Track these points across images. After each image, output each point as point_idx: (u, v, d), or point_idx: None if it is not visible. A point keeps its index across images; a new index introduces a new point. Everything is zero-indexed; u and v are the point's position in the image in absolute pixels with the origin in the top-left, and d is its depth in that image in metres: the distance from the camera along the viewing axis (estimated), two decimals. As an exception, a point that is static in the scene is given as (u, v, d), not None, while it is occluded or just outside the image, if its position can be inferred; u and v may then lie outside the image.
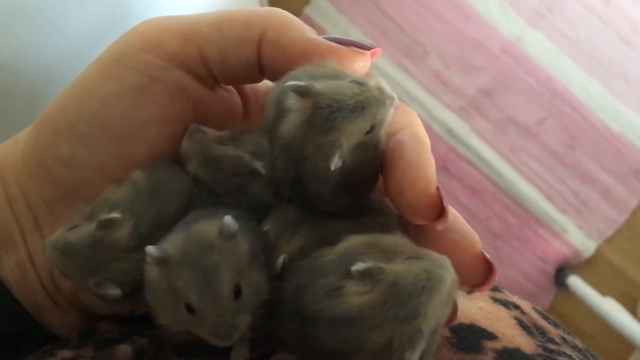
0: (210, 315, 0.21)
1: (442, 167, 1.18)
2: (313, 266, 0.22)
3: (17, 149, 0.28)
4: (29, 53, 0.49)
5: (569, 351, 0.28)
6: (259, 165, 0.25)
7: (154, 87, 0.26)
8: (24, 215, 0.27)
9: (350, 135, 0.22)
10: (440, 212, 0.22)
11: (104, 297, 0.24)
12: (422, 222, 0.23)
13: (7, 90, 0.49)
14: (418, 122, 0.26)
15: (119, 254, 0.24)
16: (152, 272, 0.21)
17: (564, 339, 0.29)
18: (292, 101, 0.22)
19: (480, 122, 1.20)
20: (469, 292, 0.30)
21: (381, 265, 0.21)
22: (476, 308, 0.29)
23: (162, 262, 0.21)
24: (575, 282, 1.13)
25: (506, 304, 0.30)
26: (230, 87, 0.29)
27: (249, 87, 0.31)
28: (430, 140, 0.25)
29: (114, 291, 0.23)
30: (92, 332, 0.28)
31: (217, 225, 0.22)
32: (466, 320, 0.28)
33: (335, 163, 0.21)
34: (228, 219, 0.21)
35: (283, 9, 0.26)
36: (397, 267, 0.21)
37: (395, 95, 0.24)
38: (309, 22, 1.24)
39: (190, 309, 0.21)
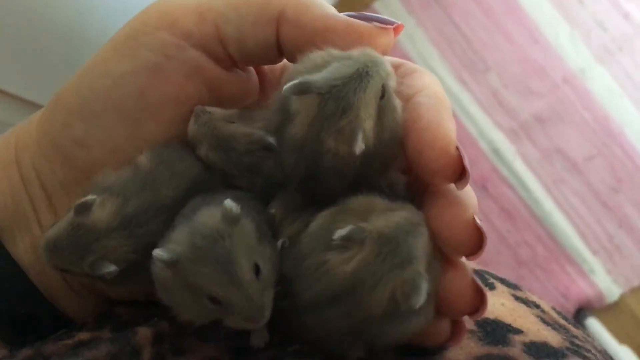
0: (239, 302, 0.20)
1: (482, 185, 1.17)
2: (293, 254, 0.22)
3: (31, 129, 0.27)
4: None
5: (594, 350, 0.27)
6: (271, 139, 0.24)
7: (169, 65, 0.25)
8: (38, 196, 0.27)
9: (368, 105, 0.21)
10: (461, 173, 0.21)
11: (102, 278, 0.23)
12: (442, 184, 0.22)
13: (75, 37, 0.49)
14: (436, 83, 0.25)
15: (102, 233, 0.23)
16: (163, 274, 0.21)
17: (585, 338, 0.29)
18: (296, 104, 0.21)
19: (529, 147, 1.18)
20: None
21: (360, 224, 0.20)
22: (499, 304, 0.29)
23: (173, 262, 0.20)
24: (593, 324, 1.12)
25: (527, 303, 0.30)
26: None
27: None
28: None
29: (109, 269, 0.23)
30: (109, 315, 0.27)
31: (218, 211, 0.21)
32: (491, 316, 0.27)
33: (359, 146, 0.21)
34: (229, 202, 0.21)
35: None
36: (376, 222, 0.21)
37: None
38: (375, 17, 1.23)
39: (214, 301, 0.20)
